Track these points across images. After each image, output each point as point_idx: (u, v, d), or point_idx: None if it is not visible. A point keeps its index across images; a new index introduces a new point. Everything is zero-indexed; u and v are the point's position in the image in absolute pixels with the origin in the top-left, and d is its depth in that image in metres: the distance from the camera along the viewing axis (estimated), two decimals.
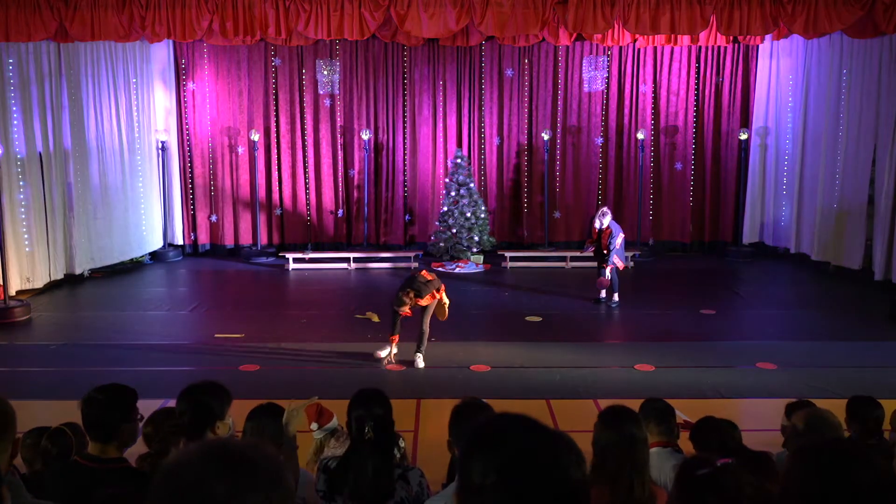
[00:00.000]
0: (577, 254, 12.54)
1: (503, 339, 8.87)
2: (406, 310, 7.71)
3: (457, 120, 14.03)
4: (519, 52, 13.83)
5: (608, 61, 13.89)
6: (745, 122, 13.84)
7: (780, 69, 13.38)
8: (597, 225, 10.32)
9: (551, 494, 1.38)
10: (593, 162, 14.16)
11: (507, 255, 13.13)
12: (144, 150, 13.18)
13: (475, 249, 12.93)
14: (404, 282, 7.84)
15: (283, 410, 3.72)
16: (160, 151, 13.57)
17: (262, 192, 13.94)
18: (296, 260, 12.97)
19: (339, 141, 14.04)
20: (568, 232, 14.18)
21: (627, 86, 13.98)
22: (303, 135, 14.01)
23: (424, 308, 7.81)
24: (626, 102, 14.01)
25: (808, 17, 9.56)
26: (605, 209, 10.48)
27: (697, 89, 13.98)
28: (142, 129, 13.09)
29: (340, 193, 14.14)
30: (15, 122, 10.53)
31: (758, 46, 13.58)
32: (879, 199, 10.98)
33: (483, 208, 13.09)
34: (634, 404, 3.72)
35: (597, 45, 13.42)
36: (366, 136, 13.63)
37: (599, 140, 14.08)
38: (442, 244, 12.94)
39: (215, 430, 3.18)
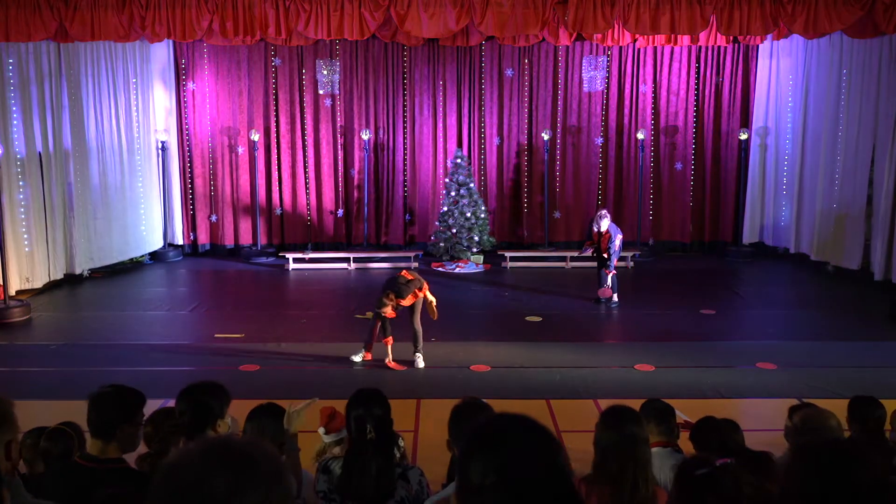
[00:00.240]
0: (577, 254, 12.53)
1: (503, 339, 8.87)
2: (388, 311, 7.71)
3: (457, 120, 14.03)
4: (519, 52, 13.83)
5: (608, 61, 13.89)
6: (745, 122, 13.84)
7: (780, 69, 13.38)
8: (595, 228, 10.30)
9: (550, 494, 1.38)
10: (593, 162, 14.16)
11: (507, 255, 13.13)
12: (144, 150, 13.18)
13: (475, 249, 12.93)
14: (385, 283, 7.86)
15: (284, 411, 3.72)
16: (160, 151, 13.57)
17: (262, 192, 13.94)
18: (296, 260, 12.97)
19: (339, 141, 14.04)
20: (568, 232, 14.18)
21: (627, 86, 13.98)
22: (303, 135, 14.01)
23: (412, 308, 7.81)
24: (626, 102, 14.01)
25: (808, 17, 9.55)
26: (603, 212, 10.43)
27: (697, 89, 13.98)
28: (142, 129, 13.08)
29: (340, 193, 14.14)
30: (15, 122, 10.53)
31: (758, 46, 13.58)
32: (879, 199, 10.98)
33: (483, 208, 13.09)
34: (634, 404, 3.72)
35: (597, 45, 13.42)
36: (366, 136, 13.63)
37: (599, 140, 14.08)
38: (442, 244, 12.94)
39: (216, 430, 3.19)
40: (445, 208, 12.97)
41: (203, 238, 14.20)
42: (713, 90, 13.95)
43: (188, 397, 3.29)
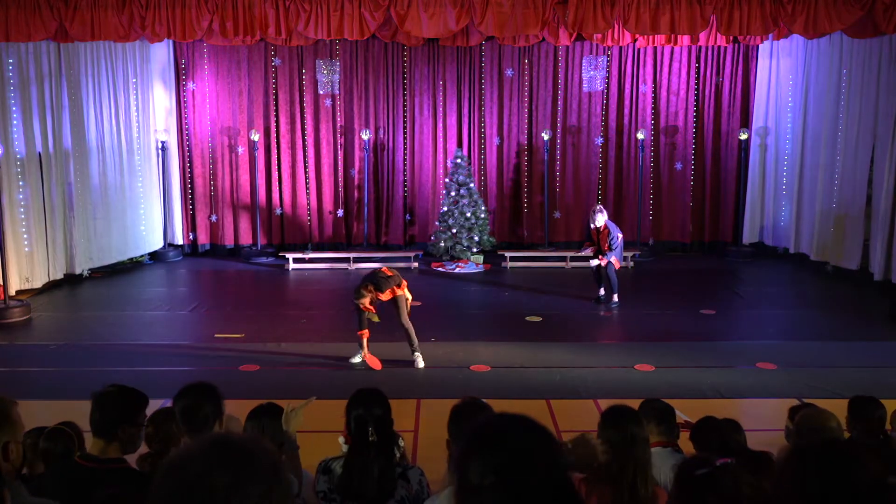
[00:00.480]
0: (577, 254, 12.54)
1: (503, 339, 8.87)
2: (366, 303, 7.75)
3: (457, 120, 14.03)
4: (519, 52, 13.83)
5: (608, 61, 13.89)
6: (745, 122, 13.84)
7: (780, 69, 13.37)
8: (592, 225, 10.30)
9: (550, 494, 1.38)
10: (593, 162, 14.16)
11: (507, 255, 13.13)
12: (144, 150, 13.18)
13: (475, 249, 12.93)
14: (364, 277, 7.95)
15: (284, 411, 3.72)
16: (160, 151, 13.57)
17: (261, 192, 13.94)
18: (296, 260, 12.97)
19: (339, 141, 14.04)
20: (568, 232, 14.18)
21: (627, 86, 13.98)
22: (303, 135, 14.01)
23: (397, 308, 7.84)
24: (626, 102, 14.01)
25: (808, 17, 9.55)
26: (598, 206, 10.45)
27: (697, 89, 13.98)
28: (142, 129, 13.08)
29: (340, 193, 14.14)
30: (15, 122, 10.53)
31: (758, 46, 13.58)
32: (879, 199, 10.97)
33: (483, 208, 13.09)
34: (634, 404, 3.72)
35: (597, 45, 13.42)
36: (366, 136, 13.63)
37: (599, 140, 14.08)
38: (442, 244, 12.94)
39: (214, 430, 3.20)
40: (445, 208, 12.97)
41: (203, 238, 14.20)
42: (713, 90, 13.95)
43: (183, 399, 3.31)
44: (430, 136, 14.05)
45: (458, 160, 13.00)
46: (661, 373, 7.66)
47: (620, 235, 10.25)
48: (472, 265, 12.76)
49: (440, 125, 14.02)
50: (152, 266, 13.28)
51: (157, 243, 13.61)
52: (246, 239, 14.11)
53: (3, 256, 9.56)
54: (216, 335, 9.05)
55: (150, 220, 13.45)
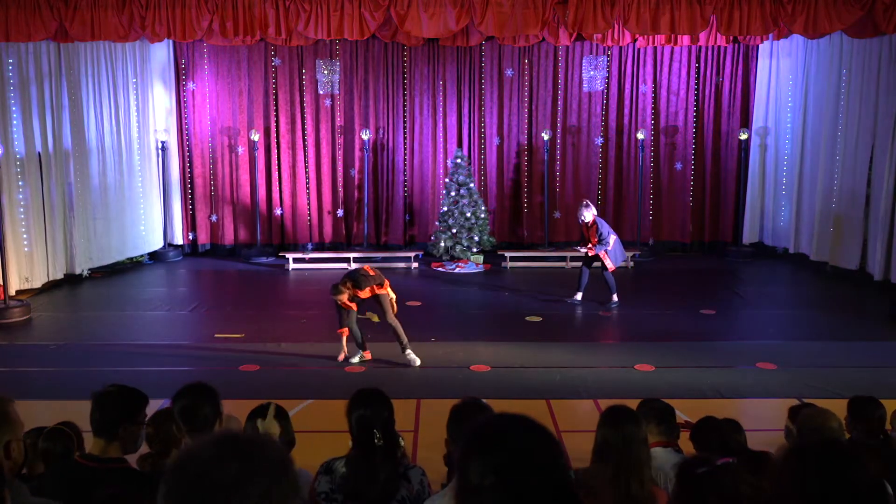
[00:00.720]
0: (577, 253, 12.53)
1: (503, 339, 8.86)
2: (343, 299, 7.77)
3: (457, 120, 14.02)
4: (519, 52, 13.83)
5: (608, 61, 13.89)
6: (745, 122, 13.84)
7: (779, 69, 13.37)
8: (581, 220, 10.36)
9: (550, 494, 1.38)
10: (593, 162, 14.16)
11: (507, 255, 13.13)
12: (144, 150, 13.18)
13: (475, 249, 12.93)
14: (345, 274, 8.00)
15: (285, 411, 3.73)
16: (160, 151, 13.57)
17: (262, 192, 13.94)
18: (296, 260, 12.97)
19: (339, 141, 14.03)
20: (568, 232, 14.17)
21: (627, 86, 13.98)
22: (303, 135, 14.01)
23: (382, 308, 7.86)
24: (626, 102, 14.01)
25: (808, 17, 9.56)
26: (585, 202, 10.50)
27: (697, 89, 13.98)
28: (142, 129, 13.08)
29: (340, 193, 14.14)
30: (15, 122, 10.52)
31: (758, 46, 13.58)
32: (878, 199, 10.97)
33: (483, 208, 13.09)
34: (634, 405, 3.73)
35: (597, 45, 13.42)
36: (366, 136, 13.63)
37: (599, 140, 14.08)
38: (442, 244, 12.94)
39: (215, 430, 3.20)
40: (445, 208, 12.96)
41: (203, 238, 14.19)
42: (713, 90, 13.95)
43: (182, 400, 3.31)
44: (430, 136, 14.05)
45: (458, 160, 13.00)
46: (661, 373, 7.66)
47: (614, 237, 10.24)
48: (472, 265, 12.76)
49: (440, 125, 14.02)
50: (152, 266, 13.28)
51: (156, 243, 13.61)
52: (246, 239, 14.11)
53: (3, 256, 9.56)
54: (216, 335, 9.05)
55: (150, 220, 13.45)
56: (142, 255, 13.29)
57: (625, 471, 3.10)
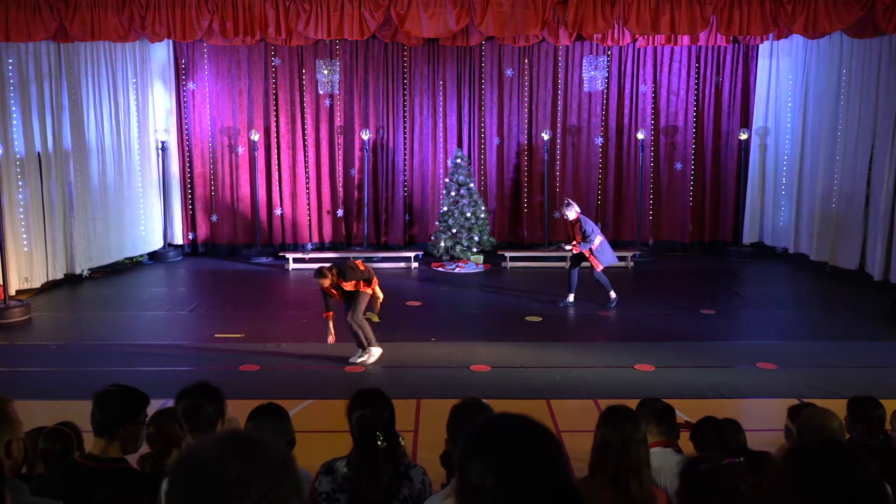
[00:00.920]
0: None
1: (503, 339, 8.86)
2: (325, 284, 7.78)
3: (457, 120, 14.02)
4: (519, 52, 13.83)
5: (608, 61, 13.89)
6: (745, 122, 13.84)
7: (779, 69, 13.37)
8: (565, 218, 10.39)
9: (550, 495, 1.38)
10: (593, 162, 14.15)
11: (507, 255, 13.13)
12: (144, 150, 13.18)
13: (475, 249, 12.93)
14: (336, 261, 8.06)
15: (285, 411, 3.72)
16: (160, 151, 13.57)
17: (261, 192, 13.94)
18: (296, 260, 12.97)
19: (339, 141, 14.03)
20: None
21: (627, 86, 13.98)
22: (303, 135, 14.01)
23: (353, 302, 7.84)
24: (626, 102, 14.01)
25: (808, 17, 9.56)
26: (567, 200, 10.56)
27: (697, 89, 13.98)
28: (142, 129, 13.08)
29: (340, 193, 14.14)
30: (14, 122, 10.52)
31: (758, 46, 13.58)
32: (878, 199, 10.97)
33: (483, 208, 13.09)
34: (634, 405, 3.73)
35: (597, 45, 13.42)
36: (366, 136, 13.62)
37: (599, 140, 14.08)
38: (442, 244, 12.94)
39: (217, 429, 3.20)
40: (445, 208, 12.97)
41: (203, 238, 14.19)
42: (713, 90, 13.95)
43: (185, 399, 3.31)
44: (429, 136, 14.05)
45: (458, 160, 13.00)
46: (661, 373, 7.66)
47: (601, 237, 10.22)
48: (472, 265, 12.76)
49: (440, 125, 14.01)
50: (152, 266, 13.28)
51: (156, 243, 13.61)
52: (246, 239, 14.11)
53: (3, 256, 9.56)
54: (216, 335, 9.05)
55: (150, 220, 13.45)
56: (142, 255, 13.28)
57: (624, 471, 3.10)
